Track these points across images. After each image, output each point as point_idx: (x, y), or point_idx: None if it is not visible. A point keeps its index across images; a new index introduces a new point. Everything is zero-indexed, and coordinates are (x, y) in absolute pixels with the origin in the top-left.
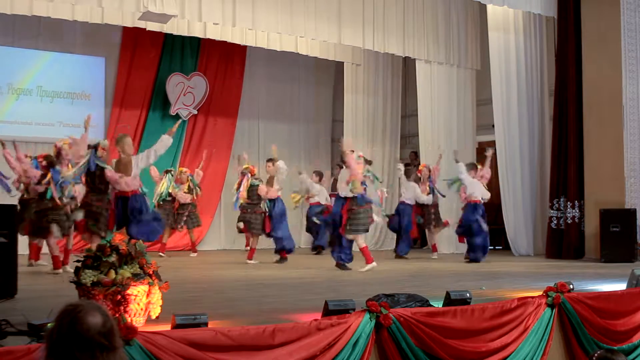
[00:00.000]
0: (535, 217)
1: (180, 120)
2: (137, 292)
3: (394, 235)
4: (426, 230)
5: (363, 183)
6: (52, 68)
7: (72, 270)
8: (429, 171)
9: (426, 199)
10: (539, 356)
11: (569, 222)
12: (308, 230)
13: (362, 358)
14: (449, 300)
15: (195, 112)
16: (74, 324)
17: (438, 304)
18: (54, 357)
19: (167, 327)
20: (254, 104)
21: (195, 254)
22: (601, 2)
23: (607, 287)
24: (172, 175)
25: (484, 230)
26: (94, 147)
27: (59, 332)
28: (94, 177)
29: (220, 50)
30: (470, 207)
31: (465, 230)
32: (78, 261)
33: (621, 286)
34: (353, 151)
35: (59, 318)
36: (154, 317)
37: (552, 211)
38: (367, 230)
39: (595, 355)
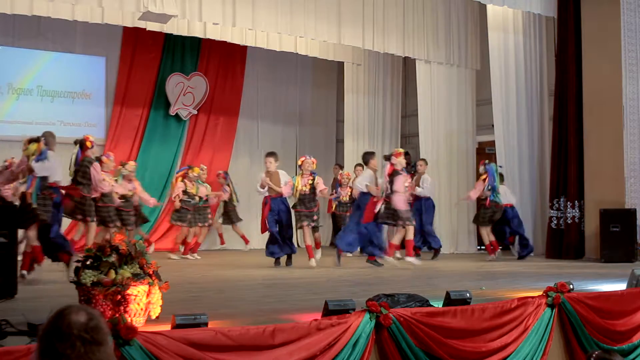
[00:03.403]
0: (535, 217)
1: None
2: (137, 292)
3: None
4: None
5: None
6: (53, 68)
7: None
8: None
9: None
10: (539, 356)
11: (569, 222)
12: None
13: (362, 358)
14: (449, 300)
15: (195, 112)
16: (56, 321)
17: (438, 304)
18: (42, 353)
19: (167, 327)
20: (254, 104)
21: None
22: (601, 2)
23: (607, 287)
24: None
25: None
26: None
27: (45, 328)
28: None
29: (221, 50)
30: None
31: None
32: (78, 261)
33: (621, 286)
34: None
35: (48, 318)
36: (154, 317)
37: (552, 211)
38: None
39: (594, 355)
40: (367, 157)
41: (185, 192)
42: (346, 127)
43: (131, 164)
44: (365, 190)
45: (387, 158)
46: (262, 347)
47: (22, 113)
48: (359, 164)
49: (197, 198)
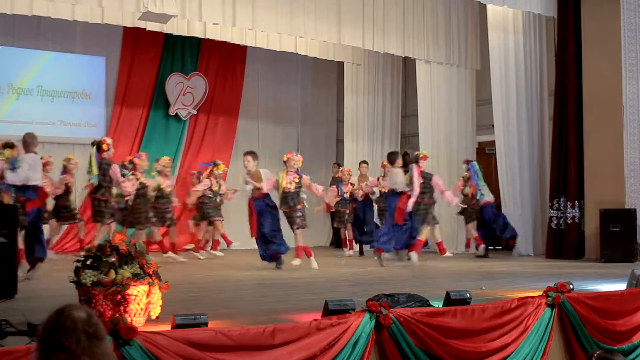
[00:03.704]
0: (535, 217)
1: None
2: (137, 292)
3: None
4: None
5: None
6: (53, 67)
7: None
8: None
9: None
10: (539, 356)
11: (569, 222)
12: None
13: (362, 358)
14: (449, 300)
15: (195, 112)
16: (59, 316)
17: (438, 304)
18: (44, 350)
19: (167, 327)
20: (254, 104)
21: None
22: (601, 2)
23: (607, 287)
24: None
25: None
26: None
27: (46, 325)
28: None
29: (221, 50)
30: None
31: None
32: (78, 261)
33: (621, 286)
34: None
35: (47, 317)
36: (154, 317)
37: (552, 211)
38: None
39: (595, 355)
40: (394, 156)
41: (210, 188)
42: (346, 127)
43: (165, 159)
44: (406, 189)
45: (415, 161)
46: (262, 347)
47: (22, 113)
48: (364, 161)
49: (218, 198)
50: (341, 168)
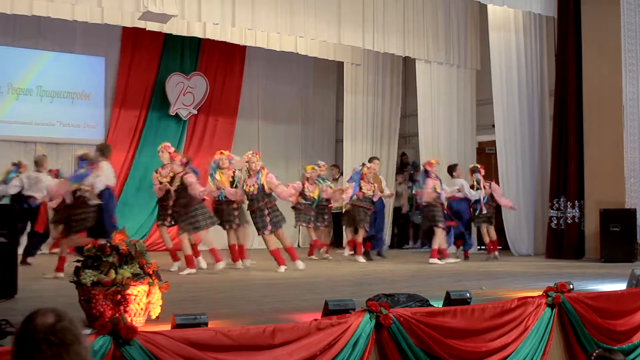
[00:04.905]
0: (535, 217)
1: None
2: (137, 292)
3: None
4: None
5: None
6: (52, 68)
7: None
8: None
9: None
10: (539, 356)
11: (569, 222)
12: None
13: (362, 358)
14: (449, 300)
15: (195, 112)
16: (24, 325)
17: (438, 304)
18: (14, 356)
19: (167, 327)
20: (253, 104)
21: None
22: (601, 2)
23: (607, 287)
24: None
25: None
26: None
27: (16, 333)
28: None
29: (220, 50)
30: None
31: None
32: (78, 261)
33: (621, 286)
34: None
35: (19, 324)
36: (154, 317)
37: (552, 211)
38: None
39: (594, 354)
40: (454, 167)
41: (302, 193)
42: (345, 127)
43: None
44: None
45: (477, 170)
46: (262, 347)
47: (21, 113)
48: (375, 157)
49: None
50: (368, 165)
